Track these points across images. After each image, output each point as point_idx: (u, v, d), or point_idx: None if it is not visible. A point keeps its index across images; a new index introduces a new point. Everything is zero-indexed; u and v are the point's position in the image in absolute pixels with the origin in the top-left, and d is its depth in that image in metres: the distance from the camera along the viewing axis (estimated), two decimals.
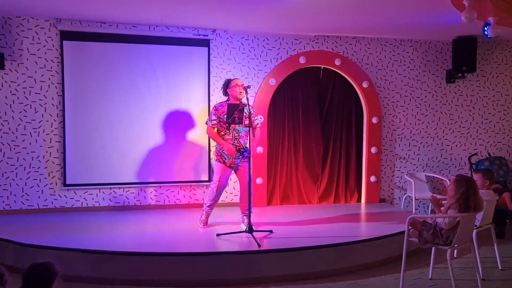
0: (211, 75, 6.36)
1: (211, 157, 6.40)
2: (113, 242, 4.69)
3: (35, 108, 5.89)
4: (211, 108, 6.26)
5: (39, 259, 2.73)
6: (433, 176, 7.08)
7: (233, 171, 5.35)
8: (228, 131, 5.17)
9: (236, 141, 5.16)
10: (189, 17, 5.70)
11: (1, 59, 5.60)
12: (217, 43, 6.40)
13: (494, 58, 7.29)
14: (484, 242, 5.37)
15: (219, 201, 5.52)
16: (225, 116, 4.99)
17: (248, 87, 5.05)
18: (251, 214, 5.08)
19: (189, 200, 6.42)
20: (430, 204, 6.96)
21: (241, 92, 5.10)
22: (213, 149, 6.39)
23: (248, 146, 5.19)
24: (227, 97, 5.30)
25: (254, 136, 5.10)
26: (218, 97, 6.15)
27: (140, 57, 6.13)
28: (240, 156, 5.21)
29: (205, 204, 5.41)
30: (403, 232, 4.31)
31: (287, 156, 6.76)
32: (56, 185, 5.99)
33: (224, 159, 5.22)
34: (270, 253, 4.54)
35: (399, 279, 4.28)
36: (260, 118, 6.05)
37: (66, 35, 5.89)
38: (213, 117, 5.20)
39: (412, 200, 6.66)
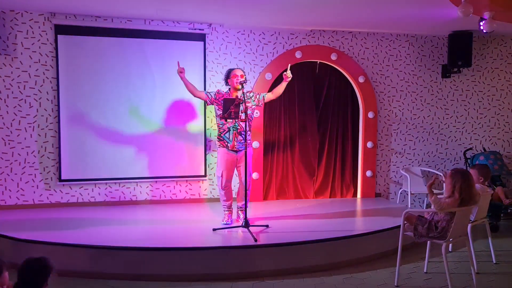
0: (206, 70, 6.34)
1: (207, 152, 6.39)
2: (108, 237, 4.68)
3: (29, 102, 5.85)
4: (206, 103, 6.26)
5: (35, 254, 2.72)
6: (429, 171, 7.10)
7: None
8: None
9: (236, 124, 5.14)
10: (185, 11, 5.67)
11: None
12: (213, 37, 6.38)
13: (490, 53, 7.30)
14: (479, 236, 5.40)
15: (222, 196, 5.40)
16: (222, 107, 4.99)
17: (245, 81, 5.05)
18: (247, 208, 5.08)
19: (185, 195, 6.41)
20: (426, 198, 7.01)
21: (237, 83, 5.11)
22: (209, 144, 6.39)
23: (248, 131, 5.14)
24: (228, 87, 5.28)
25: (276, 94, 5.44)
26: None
27: (135, 51, 6.11)
28: (242, 140, 5.14)
29: (222, 205, 5.38)
30: (399, 226, 4.33)
31: (283, 150, 6.76)
32: (52, 180, 5.97)
33: (226, 143, 5.19)
34: (266, 247, 4.56)
35: (394, 272, 4.32)
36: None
37: (60, 29, 5.85)
38: (212, 92, 5.27)
39: (407, 194, 6.68)
